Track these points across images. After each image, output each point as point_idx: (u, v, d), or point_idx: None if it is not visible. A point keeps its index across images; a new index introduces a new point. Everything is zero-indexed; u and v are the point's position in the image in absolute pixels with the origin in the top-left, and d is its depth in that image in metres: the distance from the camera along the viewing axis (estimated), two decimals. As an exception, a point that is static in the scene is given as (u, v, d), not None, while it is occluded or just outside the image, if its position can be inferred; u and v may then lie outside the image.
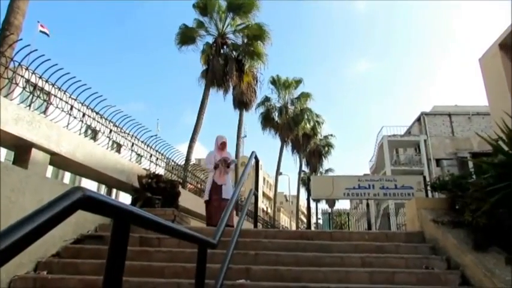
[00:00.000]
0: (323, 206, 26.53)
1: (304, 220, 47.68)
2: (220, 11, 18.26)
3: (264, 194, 49.54)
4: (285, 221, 53.72)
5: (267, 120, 29.33)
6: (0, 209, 3.23)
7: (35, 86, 5.78)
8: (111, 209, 1.13)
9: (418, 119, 26.19)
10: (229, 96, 20.20)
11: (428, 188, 7.83)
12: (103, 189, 15.76)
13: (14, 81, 5.42)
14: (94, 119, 7.22)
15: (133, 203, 6.53)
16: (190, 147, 14.71)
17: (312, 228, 27.41)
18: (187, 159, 13.07)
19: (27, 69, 5.63)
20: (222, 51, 18.30)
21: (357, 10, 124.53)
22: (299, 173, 34.05)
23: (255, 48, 18.48)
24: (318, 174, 32.46)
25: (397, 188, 10.22)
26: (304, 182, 34.12)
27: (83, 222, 4.67)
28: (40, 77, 5.77)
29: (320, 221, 27.96)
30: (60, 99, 6.24)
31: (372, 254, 4.19)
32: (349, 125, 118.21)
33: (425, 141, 24.43)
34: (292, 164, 47.45)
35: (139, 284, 3.40)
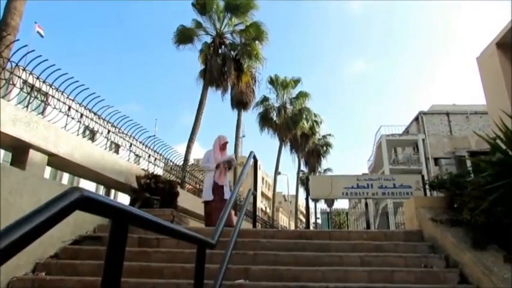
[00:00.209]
0: (322, 205, 26.52)
1: (303, 220, 47.69)
2: (218, 10, 18.25)
3: (262, 194, 49.56)
4: (284, 220, 53.75)
5: (265, 120, 29.31)
6: (-2, 210, 3.22)
7: (32, 86, 5.77)
8: (109, 209, 1.12)
9: (416, 118, 26.23)
10: (228, 96, 20.24)
11: (427, 186, 7.86)
12: (101, 190, 15.73)
13: (11, 82, 5.41)
14: (92, 119, 7.21)
15: (132, 204, 6.52)
16: (188, 148, 14.69)
17: (311, 227, 27.43)
18: (186, 159, 13.06)
19: (24, 70, 5.62)
20: (220, 51, 18.30)
21: (352, 11, 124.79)
22: (298, 173, 34.06)
23: (253, 48, 18.48)
24: (317, 174, 32.49)
25: (395, 187, 10.24)
26: (303, 181, 34.11)
27: (82, 223, 4.65)
28: (37, 78, 5.76)
29: (319, 221, 27.90)
30: (58, 99, 6.23)
31: (370, 253, 4.19)
32: (347, 124, 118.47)
33: (423, 140, 24.48)
34: (290, 163, 47.56)
35: (138, 285, 3.39)
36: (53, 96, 6.16)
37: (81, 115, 6.83)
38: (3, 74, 5.33)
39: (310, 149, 33.36)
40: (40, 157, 5.38)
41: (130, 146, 8.62)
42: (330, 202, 21.46)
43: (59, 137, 5.63)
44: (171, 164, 10.68)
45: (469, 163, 12.39)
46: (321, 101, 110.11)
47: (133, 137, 8.65)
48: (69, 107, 6.51)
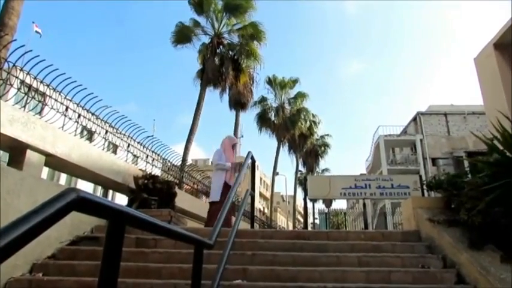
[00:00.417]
0: (320, 205, 26.56)
1: (301, 220, 47.70)
2: (216, 10, 18.25)
3: (260, 194, 49.53)
4: (282, 221, 53.73)
5: (263, 120, 29.33)
6: (-5, 211, 3.21)
7: (29, 86, 5.75)
8: (105, 210, 1.12)
9: (414, 119, 26.30)
10: (226, 96, 20.25)
11: (424, 187, 7.87)
12: (99, 191, 15.70)
13: (8, 82, 5.39)
14: (90, 119, 7.20)
15: (129, 204, 6.52)
16: (186, 148, 14.69)
17: (309, 228, 27.39)
18: (184, 159, 13.05)
19: (21, 70, 5.61)
20: (218, 51, 18.30)
21: (348, 11, 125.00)
22: (296, 173, 34.08)
23: (251, 48, 18.49)
24: (315, 174, 32.50)
25: (393, 187, 10.26)
26: (301, 182, 34.07)
27: (79, 223, 4.64)
28: (35, 78, 5.75)
29: (317, 221, 27.95)
30: (56, 100, 6.22)
31: (368, 253, 4.19)
32: (345, 125, 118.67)
33: (421, 140, 24.55)
34: (288, 164, 47.51)
35: (135, 285, 3.39)
36: (50, 97, 6.14)
37: (79, 115, 6.82)
38: (1, 74, 5.31)
39: (308, 149, 33.40)
40: (37, 157, 5.37)
41: (128, 146, 8.61)
42: (328, 202, 21.48)
43: (57, 138, 5.62)
44: (169, 164, 10.67)
45: (466, 163, 12.43)
46: (319, 101, 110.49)
47: (131, 137, 8.65)
48: (67, 107, 6.50)
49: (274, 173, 29.90)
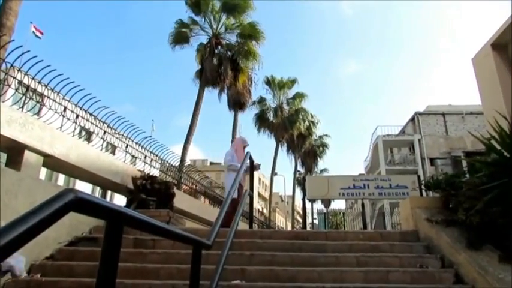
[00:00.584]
0: (318, 206, 26.60)
1: (300, 220, 47.76)
2: (214, 11, 18.25)
3: (259, 195, 49.53)
4: (281, 221, 53.74)
5: (262, 121, 29.34)
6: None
7: (27, 87, 5.74)
8: (103, 211, 1.12)
9: (412, 119, 26.33)
10: (224, 96, 20.24)
11: (423, 187, 7.88)
12: (98, 191, 15.67)
13: (6, 83, 5.38)
14: (88, 120, 7.19)
15: (127, 205, 6.51)
16: (185, 148, 14.68)
17: (308, 228, 27.43)
18: (182, 160, 13.04)
19: (19, 70, 5.59)
20: (216, 51, 18.29)
21: (346, 12, 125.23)
22: (294, 173, 34.07)
23: (249, 48, 18.49)
24: (313, 175, 32.52)
25: (391, 187, 10.27)
26: (300, 182, 34.10)
27: (77, 224, 4.64)
28: (33, 79, 5.74)
29: (315, 221, 27.99)
30: (54, 100, 6.21)
31: (366, 253, 4.20)
32: (343, 125, 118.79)
33: (419, 140, 24.58)
34: (287, 164, 47.57)
35: (134, 286, 3.39)
36: (48, 97, 6.13)
37: (77, 116, 6.81)
38: (-2, 75, 5.30)
39: (306, 150, 33.40)
40: (35, 158, 5.35)
41: (127, 146, 8.60)
42: (326, 202, 21.50)
43: (55, 138, 5.61)
44: (168, 164, 10.66)
45: (464, 163, 12.46)
46: (318, 101, 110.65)
47: (130, 138, 8.64)
48: (65, 108, 6.49)
49: (273, 173, 29.91)
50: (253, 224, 6.88)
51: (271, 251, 4.25)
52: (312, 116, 31.75)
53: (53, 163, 5.89)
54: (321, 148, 35.30)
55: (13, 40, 6.42)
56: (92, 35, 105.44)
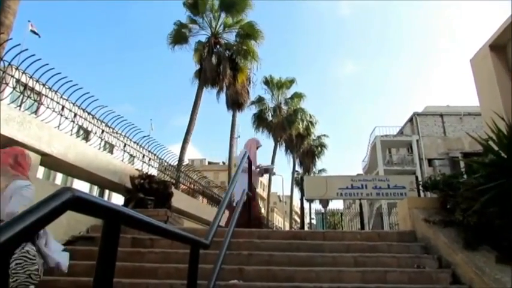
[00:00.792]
0: (316, 206, 26.63)
1: (298, 220, 47.73)
2: (213, 10, 18.23)
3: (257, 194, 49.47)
4: (279, 221, 53.77)
5: (260, 121, 29.34)
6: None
7: (25, 85, 5.72)
8: (101, 210, 1.12)
9: (411, 119, 26.39)
10: (223, 96, 20.22)
11: (420, 187, 7.89)
12: (95, 191, 15.64)
13: (4, 81, 5.36)
14: (86, 119, 7.16)
15: (125, 204, 6.50)
16: (183, 148, 14.67)
17: (306, 228, 27.42)
18: (180, 159, 13.03)
19: (17, 69, 5.58)
20: (215, 50, 18.28)
21: (344, 12, 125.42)
22: (292, 173, 34.11)
23: (248, 47, 18.48)
24: (311, 175, 32.53)
25: (389, 187, 10.27)
26: (298, 182, 34.11)
27: (75, 223, 4.63)
28: (31, 77, 5.72)
29: (313, 221, 28.00)
30: (51, 99, 6.18)
31: (364, 253, 4.21)
32: (342, 125, 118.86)
33: (417, 141, 24.63)
34: (285, 164, 47.46)
35: (131, 285, 3.39)
36: (46, 96, 6.11)
37: (75, 115, 6.78)
38: (-4, 73, 5.28)
39: (305, 150, 33.40)
40: (33, 157, 5.33)
41: (125, 146, 8.58)
42: (324, 203, 21.50)
43: (53, 137, 5.59)
44: (166, 164, 10.63)
45: (462, 164, 12.50)
46: (316, 101, 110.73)
47: (128, 137, 8.61)
48: (63, 107, 6.46)
49: (271, 173, 29.88)
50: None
51: (269, 250, 4.25)
52: (310, 116, 31.76)
53: (50, 162, 5.87)
54: (319, 148, 35.30)
55: (11, 38, 6.41)
56: (92, 35, 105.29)
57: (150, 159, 9.64)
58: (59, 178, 16.44)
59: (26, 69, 5.59)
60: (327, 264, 3.94)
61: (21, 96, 5.63)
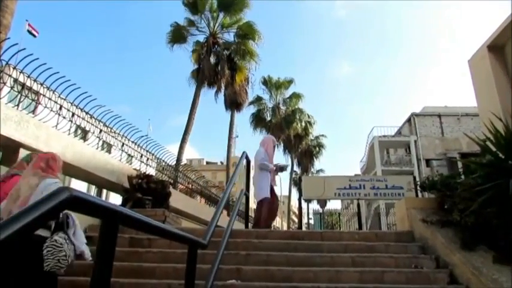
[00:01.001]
0: (314, 206, 26.63)
1: (296, 220, 47.74)
2: (211, 9, 18.21)
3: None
4: (277, 221, 53.77)
5: (258, 121, 29.32)
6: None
7: (23, 85, 5.71)
8: (98, 209, 1.12)
9: (409, 120, 26.43)
10: (221, 96, 20.20)
11: (418, 188, 7.92)
12: (93, 190, 15.59)
13: (1, 81, 5.35)
14: (84, 119, 7.15)
15: (123, 204, 6.49)
16: (181, 148, 14.64)
17: (303, 228, 27.47)
18: (178, 159, 13.01)
19: (15, 68, 5.56)
20: (213, 50, 18.26)
21: (342, 12, 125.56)
22: (290, 173, 34.04)
23: (246, 47, 18.45)
24: (309, 175, 32.54)
25: (387, 188, 10.30)
26: (296, 182, 34.09)
27: (72, 223, 4.61)
28: (28, 76, 5.71)
29: (311, 221, 28.01)
30: (49, 98, 6.17)
31: (362, 253, 4.21)
32: (340, 125, 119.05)
33: (415, 141, 24.68)
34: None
35: (129, 285, 3.38)
36: (44, 95, 6.10)
37: (73, 114, 6.78)
38: (-6, 72, 5.27)
39: (303, 150, 33.38)
40: (31, 156, 5.31)
41: (123, 145, 8.57)
42: (322, 203, 21.49)
43: (50, 136, 5.58)
44: (164, 164, 10.63)
45: (460, 164, 12.52)
46: (314, 102, 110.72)
47: (126, 137, 8.60)
48: (61, 106, 6.45)
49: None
50: (249, 223, 6.88)
51: (267, 250, 4.25)
52: (308, 116, 31.75)
53: (48, 161, 5.86)
54: (317, 148, 35.28)
55: (9, 38, 6.38)
56: (91, 34, 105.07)
57: (148, 159, 9.63)
58: (56, 178, 16.37)
59: (23, 69, 5.58)
60: (324, 264, 3.95)
61: (19, 95, 5.62)
